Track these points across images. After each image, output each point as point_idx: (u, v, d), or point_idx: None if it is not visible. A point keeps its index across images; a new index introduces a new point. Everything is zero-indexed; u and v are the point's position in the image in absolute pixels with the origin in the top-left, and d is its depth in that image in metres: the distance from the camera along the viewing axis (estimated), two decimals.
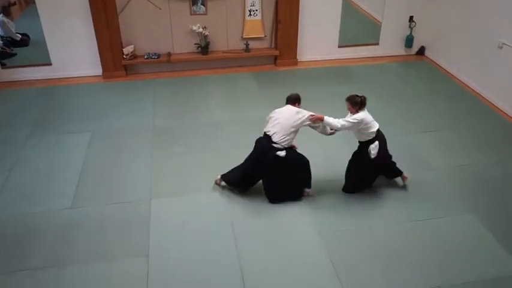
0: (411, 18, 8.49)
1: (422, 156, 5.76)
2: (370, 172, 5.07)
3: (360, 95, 4.79)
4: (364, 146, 4.88)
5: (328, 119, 4.81)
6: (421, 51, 8.83)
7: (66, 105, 6.96)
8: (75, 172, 5.43)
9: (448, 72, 8.13)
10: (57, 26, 7.43)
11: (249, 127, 6.36)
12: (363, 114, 4.74)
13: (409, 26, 8.57)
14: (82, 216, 4.76)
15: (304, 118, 4.74)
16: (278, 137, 4.69)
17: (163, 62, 7.90)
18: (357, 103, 4.75)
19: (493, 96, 7.06)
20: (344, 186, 5.15)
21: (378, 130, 4.84)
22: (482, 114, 6.79)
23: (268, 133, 4.77)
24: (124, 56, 7.72)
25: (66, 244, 4.42)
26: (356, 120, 4.69)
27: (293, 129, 4.72)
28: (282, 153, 4.68)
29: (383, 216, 4.79)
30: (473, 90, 7.44)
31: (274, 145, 4.69)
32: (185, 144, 5.99)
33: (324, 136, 5.09)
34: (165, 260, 4.25)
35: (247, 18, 7.96)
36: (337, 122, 4.77)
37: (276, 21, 8.02)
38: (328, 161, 5.69)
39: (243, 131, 6.28)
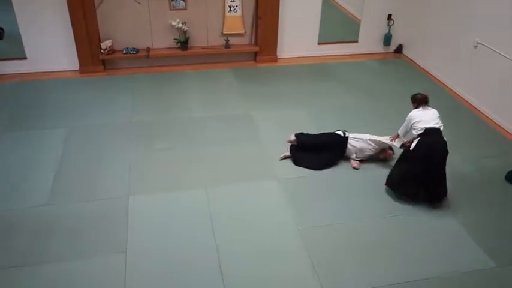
0: (390, 17, 8.60)
1: (398, 154, 5.84)
2: (409, 167, 4.89)
3: (422, 93, 5.04)
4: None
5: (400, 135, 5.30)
6: (399, 49, 8.96)
7: (41, 101, 6.82)
8: (51, 169, 5.34)
9: (425, 70, 8.27)
10: (32, 19, 7.27)
11: (228, 123, 6.37)
12: (413, 112, 4.99)
13: (388, 24, 8.68)
14: (59, 213, 4.69)
15: None
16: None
17: (142, 57, 7.82)
18: (416, 100, 5.02)
19: (468, 95, 7.21)
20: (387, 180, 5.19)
21: (432, 130, 4.79)
22: (458, 112, 6.93)
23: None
24: (102, 51, 7.60)
25: (42, 241, 4.34)
26: (408, 118, 5.02)
27: None
28: None
29: (359, 212, 4.86)
30: (449, 89, 7.58)
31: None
32: (164, 141, 5.94)
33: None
34: (143, 256, 4.22)
35: (228, 14, 7.93)
36: (400, 130, 5.27)
37: (256, 17, 8.02)
38: None
39: (223, 127, 6.28)
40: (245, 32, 8.18)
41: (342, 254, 4.32)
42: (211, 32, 8.05)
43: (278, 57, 8.43)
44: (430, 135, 4.81)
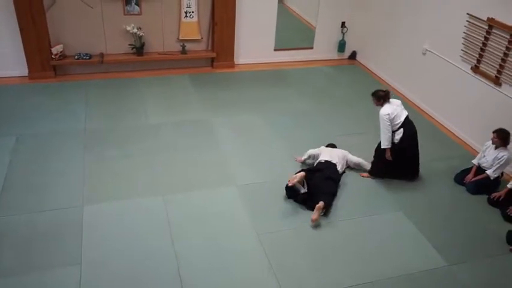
0: (343, 24, 8.83)
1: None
2: (393, 157, 5.32)
3: (383, 89, 5.23)
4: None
5: (382, 141, 5.31)
6: (353, 55, 9.20)
7: None
8: None
9: (377, 76, 8.53)
10: None
11: (185, 129, 6.31)
12: (385, 109, 5.13)
13: (342, 31, 8.90)
14: (7, 225, 4.46)
15: None
16: None
17: (95, 63, 7.62)
18: (380, 97, 5.16)
19: (419, 99, 7.50)
20: (370, 170, 5.59)
21: (407, 118, 5.23)
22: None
23: None
24: (53, 56, 7.34)
25: None
26: (386, 117, 5.12)
27: None
28: None
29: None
30: (401, 94, 7.86)
31: None
32: (119, 148, 5.80)
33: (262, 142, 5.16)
34: (98, 268, 4.09)
35: (183, 19, 7.88)
36: (382, 135, 5.26)
37: (213, 23, 8.01)
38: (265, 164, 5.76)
39: (180, 133, 6.21)
40: (201, 38, 8.15)
41: (301, 258, 4.37)
42: (167, 38, 7.96)
43: (235, 63, 8.45)
44: (407, 125, 5.21)
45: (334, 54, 9.15)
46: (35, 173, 5.25)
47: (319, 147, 5.74)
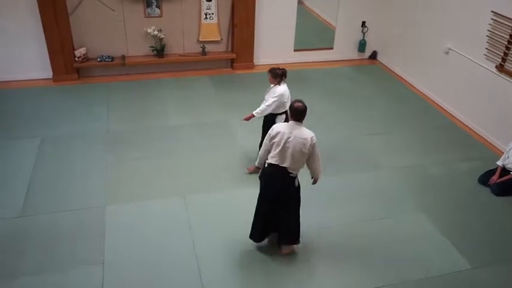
0: (364, 24, 8.75)
1: (372, 158, 5.93)
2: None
3: (281, 67, 5.08)
4: (270, 118, 5.11)
5: (257, 110, 5.09)
6: (374, 55, 9.11)
7: (13, 110, 6.65)
8: (24, 179, 5.21)
9: (399, 76, 8.42)
10: (3, 26, 7.10)
11: (205, 130, 6.35)
12: (283, 88, 5.02)
13: (362, 31, 8.82)
14: (32, 225, 4.57)
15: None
16: None
17: (117, 65, 7.73)
18: (277, 75, 5.02)
19: (441, 99, 7.38)
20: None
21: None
22: (430, 117, 7.08)
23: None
24: (76, 59, 7.48)
25: (15, 255, 4.22)
26: (279, 94, 4.98)
27: None
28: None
29: (336, 217, 4.89)
30: (422, 93, 7.75)
31: None
32: (140, 149, 5.87)
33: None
34: (121, 268, 4.14)
35: (203, 21, 7.92)
36: (266, 105, 5.05)
37: (232, 24, 8.03)
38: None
39: (200, 135, 6.25)
40: (221, 39, 8.19)
41: (320, 259, 4.34)
42: (187, 40, 8.03)
43: (255, 64, 8.46)
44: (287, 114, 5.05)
45: (354, 55, 9.07)
46: (59, 174, 5.35)
47: (336, 150, 5.64)
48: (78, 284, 3.97)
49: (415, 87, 7.95)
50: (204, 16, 7.88)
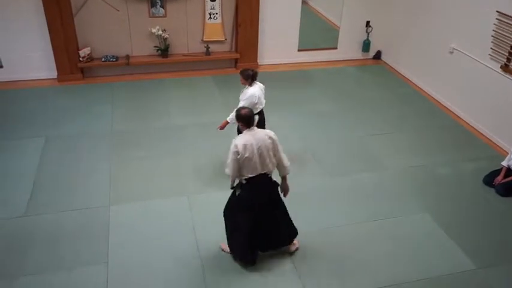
0: (368, 23, 8.73)
1: (376, 158, 5.92)
2: None
3: (252, 69, 5.05)
4: None
5: (230, 117, 5.05)
6: (378, 55, 9.08)
7: (18, 110, 6.68)
8: (29, 178, 5.23)
9: (403, 76, 8.40)
10: (8, 26, 7.13)
11: (209, 130, 6.35)
12: (253, 89, 4.99)
13: (366, 31, 8.80)
14: (36, 224, 4.59)
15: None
16: None
17: (121, 65, 7.75)
18: (249, 76, 4.98)
19: (445, 99, 7.35)
20: None
21: (262, 110, 5.12)
22: (435, 117, 7.06)
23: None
24: (80, 59, 7.51)
25: (19, 254, 4.24)
26: (249, 95, 4.96)
27: None
28: None
29: (339, 217, 4.89)
30: (427, 93, 7.72)
31: None
32: (144, 149, 5.89)
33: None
34: (124, 267, 4.15)
35: (207, 21, 7.93)
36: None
37: (236, 24, 8.04)
38: None
39: (203, 135, 6.25)
40: (225, 39, 8.19)
41: (325, 259, 4.33)
42: (191, 39, 8.04)
43: (259, 63, 8.46)
44: (262, 114, 5.11)
45: (358, 54, 9.05)
46: (63, 173, 5.37)
47: (341, 150, 5.63)
48: (82, 283, 3.98)
49: (419, 87, 7.93)
50: (208, 16, 7.89)
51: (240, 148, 3.76)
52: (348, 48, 8.93)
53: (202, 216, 4.79)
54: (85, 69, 7.71)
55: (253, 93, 4.97)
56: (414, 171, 5.68)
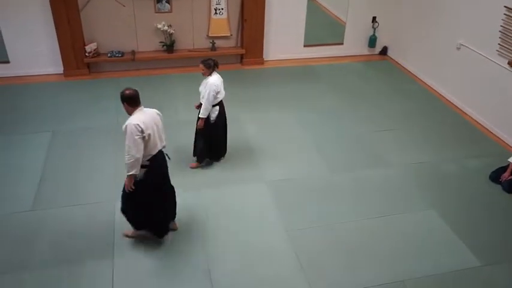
0: (374, 19, 8.68)
1: (382, 154, 5.90)
2: (212, 136, 5.33)
3: (213, 58, 5.12)
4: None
5: (202, 111, 5.15)
6: (384, 51, 9.04)
7: (25, 105, 6.72)
8: (36, 173, 5.27)
9: (409, 71, 8.36)
10: (15, 21, 7.17)
11: None
12: (213, 78, 5.05)
13: (372, 27, 8.75)
14: (43, 218, 4.62)
15: None
16: None
17: (127, 60, 7.76)
18: (210, 66, 5.06)
19: (452, 95, 7.31)
20: (193, 152, 5.51)
21: (221, 101, 5.25)
22: (441, 113, 7.02)
23: None
24: (86, 54, 7.53)
25: (26, 248, 4.28)
26: (210, 83, 5.02)
27: None
28: None
29: (345, 213, 4.88)
30: (433, 89, 7.68)
31: None
32: None
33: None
34: (130, 261, 4.18)
35: (213, 16, 7.92)
36: (205, 101, 5.07)
37: (242, 20, 8.02)
38: (282, 159, 5.74)
39: None
40: (231, 35, 8.18)
41: (330, 255, 4.34)
42: (197, 35, 8.03)
43: (264, 59, 8.44)
44: (222, 106, 5.23)
45: (364, 50, 9.01)
46: (70, 168, 5.40)
47: (346, 146, 5.64)
48: (89, 277, 4.01)
49: (426, 83, 7.88)
50: (214, 11, 7.88)
51: (143, 126, 3.86)
52: (354, 44, 8.89)
53: (210, 210, 4.80)
54: (91, 64, 7.74)
55: (214, 82, 5.05)
56: (420, 167, 5.66)
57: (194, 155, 5.52)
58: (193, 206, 4.87)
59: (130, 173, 3.91)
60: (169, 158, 4.32)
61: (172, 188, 4.44)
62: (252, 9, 7.87)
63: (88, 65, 7.69)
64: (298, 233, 4.57)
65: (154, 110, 4.18)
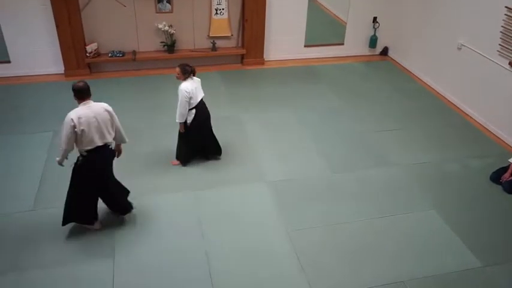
0: (375, 19, 8.68)
1: (383, 154, 5.90)
2: (191, 139, 5.34)
3: (190, 65, 5.10)
4: None
5: (177, 117, 5.15)
6: (385, 51, 9.04)
7: (26, 105, 6.73)
8: (37, 173, 5.27)
9: (410, 72, 8.36)
10: (16, 21, 7.17)
11: (215, 126, 6.34)
12: (185, 84, 5.03)
13: (373, 27, 8.75)
14: (45, 218, 4.62)
15: None
16: None
17: (128, 61, 7.77)
18: (187, 72, 5.04)
19: (453, 96, 7.31)
20: (176, 155, 5.52)
21: (201, 100, 5.23)
22: (442, 113, 7.02)
23: None
24: (87, 54, 7.54)
25: (28, 247, 4.28)
26: (182, 89, 4.99)
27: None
28: None
29: (346, 213, 4.88)
30: (434, 90, 7.68)
31: None
32: (151, 144, 5.91)
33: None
34: (131, 260, 4.18)
35: (214, 17, 7.92)
36: (178, 107, 5.07)
37: (243, 20, 8.02)
38: (285, 160, 5.74)
39: None
40: (232, 35, 8.18)
41: (331, 256, 4.34)
42: (197, 35, 8.04)
43: (265, 59, 8.44)
44: (200, 109, 5.19)
45: (365, 50, 9.01)
46: (71, 168, 5.38)
47: (347, 146, 5.63)
48: (89, 277, 4.01)
49: (426, 84, 7.88)
50: (215, 11, 7.88)
51: (76, 121, 3.94)
52: (354, 44, 8.89)
53: (207, 212, 4.80)
54: (92, 64, 7.74)
55: (185, 88, 5.03)
56: (421, 167, 5.66)
57: (176, 158, 5.53)
58: (193, 206, 4.87)
59: (57, 159, 4.18)
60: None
61: (117, 184, 4.55)
62: (253, 9, 7.87)
63: (89, 65, 7.70)
64: (299, 234, 4.57)
65: (103, 105, 4.19)
